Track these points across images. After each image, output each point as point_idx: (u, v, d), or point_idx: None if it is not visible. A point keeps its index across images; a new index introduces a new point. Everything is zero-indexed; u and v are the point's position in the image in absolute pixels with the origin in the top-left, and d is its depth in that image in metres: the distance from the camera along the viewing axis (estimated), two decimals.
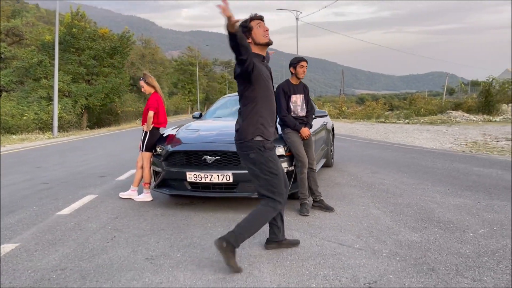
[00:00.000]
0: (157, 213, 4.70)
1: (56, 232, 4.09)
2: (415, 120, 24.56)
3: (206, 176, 4.56)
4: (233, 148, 4.56)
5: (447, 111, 27.95)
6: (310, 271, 3.00)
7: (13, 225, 4.37)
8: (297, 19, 34.76)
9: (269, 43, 3.18)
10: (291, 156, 4.68)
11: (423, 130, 17.69)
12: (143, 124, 5.43)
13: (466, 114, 25.64)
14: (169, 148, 4.87)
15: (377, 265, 3.06)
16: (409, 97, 48.49)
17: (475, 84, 61.38)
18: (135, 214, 4.70)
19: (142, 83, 5.50)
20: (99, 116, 33.86)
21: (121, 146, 13.43)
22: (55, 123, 20.48)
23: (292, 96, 4.74)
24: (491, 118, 23.71)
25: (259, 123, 3.10)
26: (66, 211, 4.90)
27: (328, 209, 4.63)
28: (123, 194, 5.52)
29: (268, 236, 3.50)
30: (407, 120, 25.09)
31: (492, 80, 26.87)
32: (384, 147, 11.53)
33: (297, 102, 4.77)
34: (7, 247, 3.65)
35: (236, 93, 7.58)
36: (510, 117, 23.85)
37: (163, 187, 4.96)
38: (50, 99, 25.76)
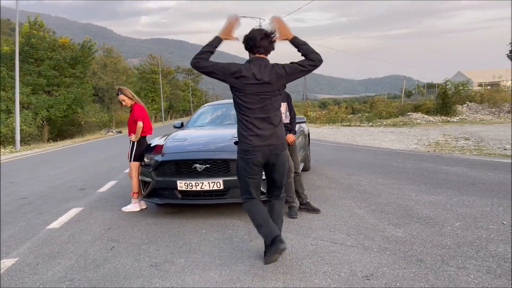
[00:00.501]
0: (149, 223, 4.79)
1: (52, 245, 4.12)
2: (379, 123, 25.44)
3: (197, 184, 4.70)
4: (222, 155, 4.79)
5: (408, 113, 29.08)
6: (310, 268, 3.21)
7: (6, 240, 4.36)
8: (260, 26, 35.17)
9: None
10: None
11: (387, 132, 18.40)
12: (129, 134, 5.48)
13: (425, 116, 26.79)
14: (159, 158, 4.97)
15: (370, 260, 3.32)
16: (369, 100, 50.07)
17: (430, 86, 64.08)
18: (127, 224, 4.77)
19: (122, 97, 5.47)
20: (61, 128, 33.09)
21: (92, 158, 13.25)
22: (17, 137, 19.88)
23: None
24: (448, 119, 24.89)
25: (239, 129, 3.37)
26: (55, 224, 4.91)
27: (315, 210, 4.87)
28: (126, 209, 5.40)
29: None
30: (370, 123, 25.95)
31: (447, 82, 28.23)
32: (354, 149, 11.98)
33: (281, 110, 4.99)
34: (7, 262, 3.67)
35: (216, 102, 7.77)
36: (465, 117, 25.14)
37: (153, 197, 5.05)
38: (9, 111, 24.96)
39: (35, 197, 6.74)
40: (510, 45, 28.12)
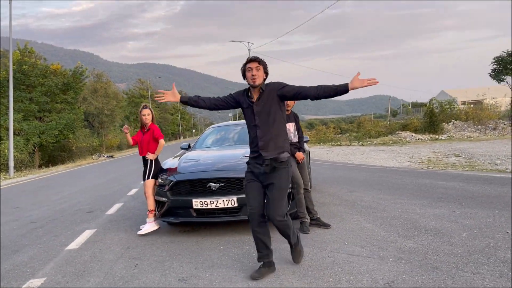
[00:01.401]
0: (166, 241, 4.93)
1: (76, 265, 4.24)
2: (369, 142, 25.87)
3: (212, 202, 4.87)
4: (236, 174, 4.98)
5: (396, 132, 29.61)
6: (333, 278, 3.39)
7: (28, 262, 4.46)
8: (249, 50, 35.90)
9: (252, 86, 3.58)
10: None
11: (379, 151, 18.76)
12: (145, 153, 5.55)
13: (414, 134, 27.31)
14: (174, 177, 5.15)
15: (388, 269, 3.51)
16: (357, 120, 50.84)
17: (415, 105, 65.34)
18: (145, 243, 4.90)
19: (148, 111, 5.59)
20: (52, 154, 32.88)
21: (90, 182, 13.29)
22: (11, 163, 19.80)
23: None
24: (436, 136, 25.42)
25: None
26: (73, 245, 5.02)
27: (326, 226, 5.07)
28: (143, 231, 5.32)
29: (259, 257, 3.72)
30: (361, 142, 26.36)
31: (433, 101, 28.94)
32: (350, 168, 12.24)
33: (289, 129, 5.22)
34: (35, 282, 3.78)
35: (221, 123, 8.00)
36: (453, 135, 25.72)
37: (168, 216, 5.20)
38: (0, 138, 24.85)
39: (44, 221, 6.81)
40: (492, 64, 29.03)
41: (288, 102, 5.16)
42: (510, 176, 8.18)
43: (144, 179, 5.54)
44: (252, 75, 3.49)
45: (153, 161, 5.51)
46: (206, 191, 5.00)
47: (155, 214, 5.40)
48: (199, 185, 5.03)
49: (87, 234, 5.58)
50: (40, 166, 27.68)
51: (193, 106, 3.83)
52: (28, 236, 5.76)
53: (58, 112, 30.13)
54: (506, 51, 28.17)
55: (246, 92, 3.67)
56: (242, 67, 3.62)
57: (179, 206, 5.07)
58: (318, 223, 5.13)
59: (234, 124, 7.65)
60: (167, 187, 5.17)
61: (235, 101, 3.73)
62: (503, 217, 4.95)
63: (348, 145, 25.98)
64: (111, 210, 7.28)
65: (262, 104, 3.54)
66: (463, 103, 35.96)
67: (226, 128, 7.46)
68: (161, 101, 3.83)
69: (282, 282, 3.39)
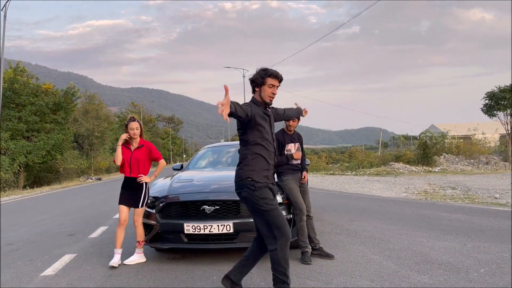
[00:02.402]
0: (153, 269, 4.47)
1: None
2: (362, 172, 25.58)
3: (205, 227, 4.44)
4: (234, 196, 4.52)
5: (390, 163, 29.42)
6: None
7: None
8: (244, 76, 35.95)
9: (268, 104, 3.37)
10: (288, 204, 4.71)
11: (373, 181, 18.44)
12: (135, 175, 4.82)
13: (407, 166, 27.11)
14: (164, 199, 4.72)
15: None
16: (348, 151, 50.78)
17: (406, 138, 65.65)
18: (129, 271, 4.43)
19: (137, 124, 4.80)
20: (38, 175, 32.04)
21: (76, 204, 12.71)
22: None
23: (286, 145, 4.85)
24: (430, 169, 25.23)
25: (250, 165, 3.23)
26: (49, 271, 4.53)
27: (329, 256, 4.65)
28: (130, 261, 4.73)
29: (229, 271, 3.48)
30: (354, 172, 26.07)
31: (427, 133, 28.94)
32: (347, 196, 11.86)
33: (291, 150, 4.88)
34: None
35: (216, 144, 7.62)
36: (446, 168, 25.57)
37: (156, 241, 4.74)
38: None
39: (21, 243, 6.29)
40: (484, 99, 29.18)
41: (291, 123, 4.84)
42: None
43: (136, 206, 4.76)
44: (273, 94, 3.33)
45: (147, 184, 4.87)
46: (199, 215, 4.57)
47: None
48: (192, 208, 4.61)
49: (66, 259, 5.08)
50: (24, 187, 26.87)
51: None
52: (2, 259, 5.24)
53: (47, 132, 29.47)
54: (498, 87, 28.38)
55: (256, 103, 3.35)
56: (260, 76, 3.28)
57: (169, 231, 4.63)
58: (320, 253, 4.71)
59: (229, 144, 7.28)
60: (156, 209, 4.74)
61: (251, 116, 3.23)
62: None
63: (342, 174, 25.66)
64: (95, 234, 6.78)
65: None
66: (453, 138, 36.11)
67: (221, 148, 7.09)
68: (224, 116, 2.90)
69: None
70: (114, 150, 56.54)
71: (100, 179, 31.67)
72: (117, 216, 8.65)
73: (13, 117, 27.20)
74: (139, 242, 4.75)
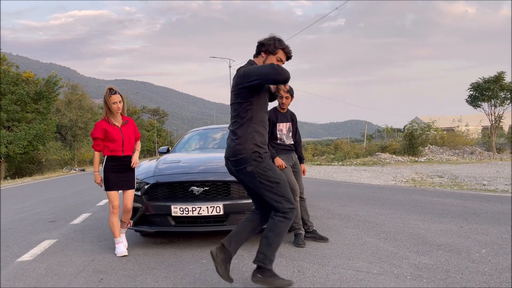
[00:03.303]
0: (139, 253, 4.22)
1: (27, 279, 3.49)
2: (349, 162, 25.56)
3: (194, 209, 4.20)
4: (224, 177, 4.33)
5: (376, 153, 29.47)
6: None
7: None
8: (230, 66, 35.55)
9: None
10: None
11: (361, 170, 18.37)
12: (129, 152, 4.30)
13: (393, 156, 27.19)
14: (150, 180, 4.45)
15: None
16: (334, 143, 50.86)
17: (391, 130, 66.06)
18: (113, 256, 4.17)
19: (119, 97, 4.23)
20: (19, 166, 31.34)
21: (58, 192, 12.33)
22: None
23: (278, 124, 4.62)
24: (416, 159, 25.32)
25: (255, 138, 2.97)
26: (27, 257, 4.25)
27: (323, 239, 4.46)
28: (120, 253, 4.19)
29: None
30: (341, 163, 26.04)
31: (414, 124, 29.08)
32: (335, 184, 11.72)
33: (282, 130, 4.65)
34: None
35: (200, 128, 7.33)
36: (432, 158, 25.70)
37: (142, 225, 4.47)
38: None
39: None
40: (469, 90, 29.36)
41: (284, 100, 4.60)
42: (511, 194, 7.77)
43: (132, 187, 4.30)
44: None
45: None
46: (187, 196, 4.33)
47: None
48: (180, 189, 4.36)
49: (45, 244, 4.80)
50: (5, 178, 26.22)
51: None
52: None
53: (28, 122, 28.73)
54: (482, 78, 28.57)
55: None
56: (274, 45, 3.04)
57: (156, 213, 4.36)
58: (314, 236, 4.51)
59: (216, 128, 7.02)
60: (141, 191, 4.47)
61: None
62: None
63: (329, 164, 25.60)
64: (77, 220, 6.48)
65: None
66: (436, 130, 36.40)
67: (208, 131, 6.83)
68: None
69: None
70: None
71: (83, 170, 31.11)
72: (101, 203, 8.40)
73: None
74: (124, 223, 4.39)
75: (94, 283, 3.29)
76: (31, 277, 3.54)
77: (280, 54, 3.04)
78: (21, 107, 28.19)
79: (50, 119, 31.84)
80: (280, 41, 3.04)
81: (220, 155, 5.20)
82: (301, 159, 4.84)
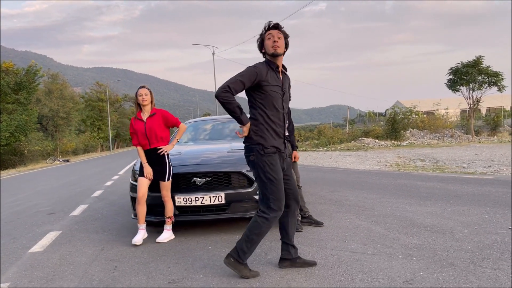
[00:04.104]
0: (146, 241, 4.44)
1: (44, 268, 3.69)
2: (333, 148, 26.01)
3: (197, 199, 4.44)
4: (224, 168, 4.59)
5: (360, 138, 30.02)
6: (344, 277, 3.06)
7: None
8: (213, 54, 35.48)
9: (274, 54, 3.12)
10: None
11: (345, 155, 18.80)
12: (155, 145, 4.48)
13: (376, 140, 27.76)
14: None
15: (401, 266, 3.22)
16: (317, 128, 51.37)
17: (372, 115, 66.95)
18: (122, 244, 4.40)
19: (146, 91, 4.51)
20: (2, 157, 30.91)
21: (48, 185, 12.38)
22: None
23: None
24: (398, 143, 25.93)
25: (259, 132, 3.14)
26: (37, 248, 4.44)
27: (318, 223, 4.75)
28: (161, 239, 4.42)
29: (280, 254, 3.42)
30: (326, 148, 26.47)
31: (396, 109, 29.66)
32: (323, 170, 12.06)
33: None
34: None
35: (200, 118, 7.54)
36: (414, 142, 26.35)
37: (147, 215, 4.69)
38: None
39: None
40: (448, 74, 30.02)
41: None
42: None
43: (162, 179, 4.41)
44: (274, 41, 3.09)
45: (168, 155, 4.57)
46: (190, 187, 4.56)
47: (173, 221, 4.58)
48: (183, 180, 4.59)
49: (51, 235, 4.98)
50: None
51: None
52: None
53: (9, 113, 28.35)
54: (461, 62, 29.23)
55: (268, 64, 3.16)
56: (259, 38, 3.18)
57: (160, 204, 4.58)
58: (310, 221, 4.81)
59: (210, 119, 7.22)
60: None
61: (257, 83, 3.11)
62: (498, 214, 4.81)
63: (313, 150, 26.01)
64: (76, 212, 6.65)
65: (286, 89, 3.30)
66: (416, 113, 37.21)
67: (203, 122, 7.03)
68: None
69: (289, 282, 3.02)
70: (79, 131, 54.50)
71: (68, 161, 30.89)
72: (95, 194, 8.55)
73: None
74: (169, 218, 4.49)
75: (109, 270, 3.52)
76: (47, 266, 3.74)
77: (267, 35, 3.13)
78: (1, 98, 27.77)
79: (31, 109, 31.42)
80: (262, 32, 3.19)
81: (221, 145, 5.47)
82: (293, 147, 5.01)
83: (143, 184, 4.42)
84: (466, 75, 28.71)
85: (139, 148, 4.58)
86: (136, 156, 5.22)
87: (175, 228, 4.93)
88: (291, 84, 3.44)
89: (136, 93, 4.58)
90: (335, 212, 5.46)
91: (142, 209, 4.43)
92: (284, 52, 3.19)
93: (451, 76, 29.74)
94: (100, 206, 7.09)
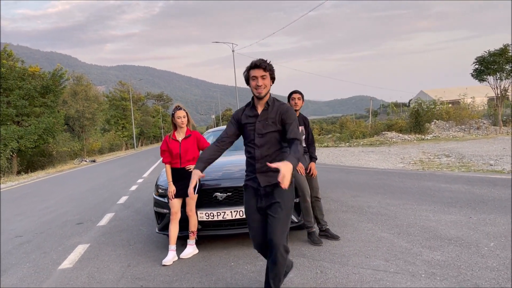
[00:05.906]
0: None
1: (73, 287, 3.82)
2: (356, 143, 25.77)
3: (219, 214, 4.51)
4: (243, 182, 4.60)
5: (382, 132, 29.63)
6: None
7: (18, 284, 4.02)
8: (233, 51, 35.53)
9: (257, 97, 3.02)
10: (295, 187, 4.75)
11: (368, 152, 18.61)
12: (185, 165, 4.65)
13: (400, 134, 27.36)
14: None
15: (424, 287, 3.21)
16: (339, 120, 50.90)
17: (396, 105, 65.92)
18: (146, 261, 4.51)
19: (183, 113, 4.66)
20: (31, 159, 31.85)
21: (76, 188, 12.71)
22: None
23: None
24: (422, 137, 25.50)
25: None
26: (66, 264, 4.59)
27: (334, 237, 4.73)
28: (185, 255, 4.54)
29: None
30: (348, 143, 26.26)
31: (418, 101, 29.12)
32: (345, 170, 11.99)
33: None
34: None
35: (216, 129, 7.61)
36: (438, 135, 25.85)
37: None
38: None
39: (31, 234, 6.33)
40: (474, 64, 29.28)
41: (297, 101, 4.84)
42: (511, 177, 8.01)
43: (185, 195, 4.52)
44: (257, 86, 2.95)
45: None
46: (211, 202, 4.63)
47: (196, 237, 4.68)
48: (204, 196, 4.66)
49: (80, 249, 5.15)
50: (19, 172, 26.75)
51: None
52: (14, 253, 5.29)
53: (37, 116, 29.15)
54: (487, 51, 28.43)
55: (248, 104, 3.15)
56: (245, 72, 3.06)
57: (182, 218, 4.68)
58: (326, 234, 4.79)
59: None
60: (168, 198, 4.77)
61: (238, 123, 3.14)
62: None
63: (336, 146, 25.84)
64: (103, 221, 6.83)
65: (265, 122, 3.01)
66: (442, 103, 36.41)
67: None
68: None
69: None
70: (104, 130, 55.50)
71: (94, 161, 31.57)
72: (121, 201, 8.76)
73: (1, 102, 26.78)
74: (192, 233, 4.58)
75: None
76: (77, 285, 3.87)
77: (252, 73, 2.99)
78: (29, 101, 28.54)
79: (58, 112, 32.21)
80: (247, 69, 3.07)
81: (239, 157, 5.50)
82: (312, 158, 5.01)
83: (176, 205, 4.54)
84: (493, 64, 27.90)
85: (168, 166, 4.71)
86: (159, 157, 5.33)
87: (198, 242, 5.02)
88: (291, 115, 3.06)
89: (173, 114, 4.66)
90: (357, 222, 5.44)
91: (174, 229, 4.52)
92: (271, 85, 3.06)
93: (477, 66, 28.98)
94: (125, 215, 7.26)
